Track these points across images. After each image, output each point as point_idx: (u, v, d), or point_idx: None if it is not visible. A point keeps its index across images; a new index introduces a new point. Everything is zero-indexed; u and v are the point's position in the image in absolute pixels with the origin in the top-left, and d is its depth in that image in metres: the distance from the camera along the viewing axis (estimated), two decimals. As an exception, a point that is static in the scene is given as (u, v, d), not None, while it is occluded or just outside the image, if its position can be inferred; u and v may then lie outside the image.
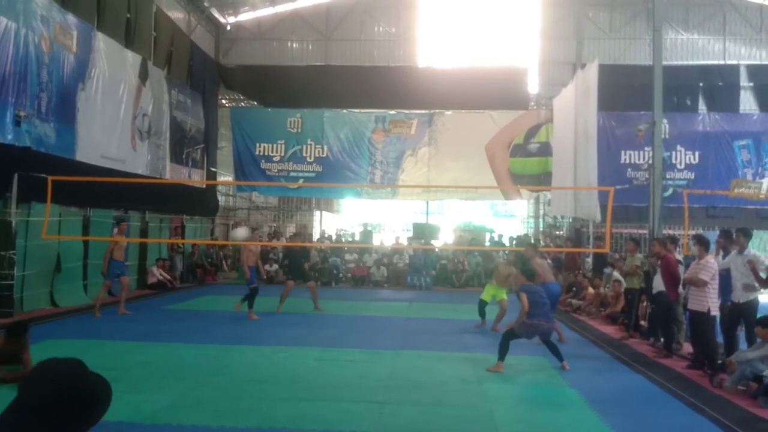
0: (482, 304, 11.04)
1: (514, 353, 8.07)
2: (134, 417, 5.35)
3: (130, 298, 14.19)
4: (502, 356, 7.59)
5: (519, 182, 20.99)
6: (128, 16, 15.57)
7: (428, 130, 21.36)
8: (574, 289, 14.98)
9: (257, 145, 21.44)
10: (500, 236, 22.64)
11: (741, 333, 8.26)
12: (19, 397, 1.47)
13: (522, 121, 21.19)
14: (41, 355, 6.26)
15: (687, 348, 9.03)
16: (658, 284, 9.21)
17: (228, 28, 23.38)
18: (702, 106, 20.56)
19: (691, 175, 19.75)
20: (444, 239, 23.83)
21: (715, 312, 8.02)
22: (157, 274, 15.95)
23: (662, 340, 9.31)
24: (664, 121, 16.20)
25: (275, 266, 19.43)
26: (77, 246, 12.94)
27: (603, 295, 13.16)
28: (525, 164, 21.10)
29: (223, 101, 23.53)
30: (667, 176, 17.43)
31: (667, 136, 18.37)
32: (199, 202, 20.25)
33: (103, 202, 13.98)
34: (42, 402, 1.44)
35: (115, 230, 13.15)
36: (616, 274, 12.76)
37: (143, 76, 15.97)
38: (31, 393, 1.46)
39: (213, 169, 21.81)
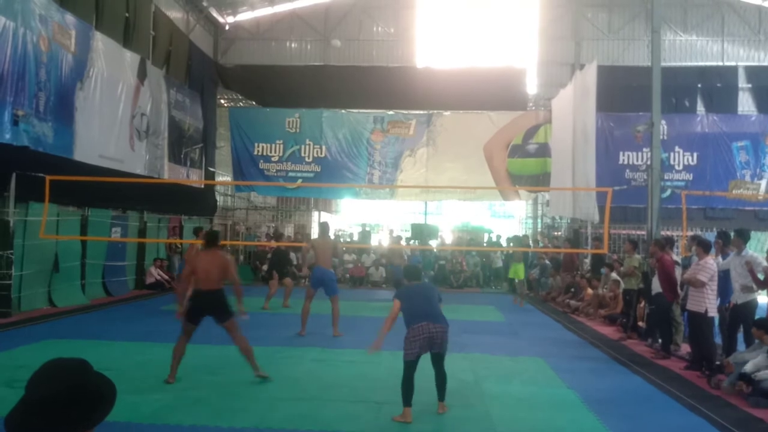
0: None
1: (511, 353, 8.06)
2: (132, 417, 5.35)
3: (127, 298, 14.21)
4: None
5: (517, 183, 20.99)
6: (127, 15, 15.56)
7: (426, 130, 21.34)
8: (572, 290, 15.00)
9: (256, 144, 21.41)
10: (498, 236, 22.65)
11: (739, 334, 8.27)
12: (25, 397, 1.50)
13: (520, 122, 21.18)
14: (39, 356, 6.21)
15: (685, 349, 9.05)
16: (657, 285, 9.22)
17: (227, 27, 23.37)
18: (700, 107, 20.57)
19: (690, 176, 19.76)
20: (442, 239, 23.82)
21: (713, 313, 8.04)
22: (155, 274, 15.94)
23: (660, 341, 9.32)
24: (663, 122, 16.22)
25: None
26: (75, 246, 12.93)
27: (601, 296, 13.17)
28: (523, 165, 21.10)
29: (222, 101, 23.51)
30: (666, 177, 17.45)
31: (665, 137, 18.39)
32: (198, 202, 20.23)
33: (101, 202, 13.97)
34: (47, 402, 1.48)
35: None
36: (613, 274, 12.79)
37: (142, 75, 15.96)
38: (36, 393, 1.50)
39: (211, 169, 21.80)
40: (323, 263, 10.06)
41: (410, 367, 5.80)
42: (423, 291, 6.14)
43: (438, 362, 5.94)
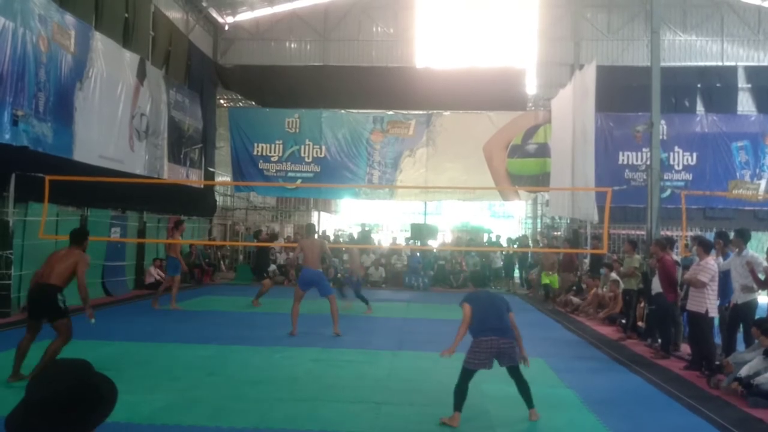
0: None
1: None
2: (131, 417, 5.34)
3: (126, 298, 14.21)
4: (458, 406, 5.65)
5: (517, 183, 20.99)
6: (126, 15, 15.56)
7: (426, 130, 21.35)
8: (573, 288, 15.02)
9: (255, 145, 21.41)
10: (498, 237, 22.65)
11: (739, 334, 8.27)
12: (26, 398, 1.50)
13: (520, 122, 21.18)
14: (38, 356, 6.16)
15: (685, 349, 9.05)
16: (657, 285, 9.22)
17: (226, 28, 23.38)
18: (700, 107, 20.58)
19: (689, 176, 19.77)
20: (441, 239, 23.82)
21: (714, 313, 8.04)
22: (154, 274, 15.93)
23: (660, 341, 9.32)
24: (662, 122, 16.22)
25: (273, 266, 19.42)
26: (74, 246, 12.90)
27: (601, 295, 13.18)
28: (523, 165, 21.10)
29: (221, 101, 23.52)
30: (665, 177, 17.45)
31: (665, 137, 18.39)
32: (197, 202, 20.23)
33: (101, 202, 13.97)
34: (48, 402, 1.48)
35: (176, 232, 13.52)
36: (613, 274, 12.78)
37: (141, 75, 15.96)
38: (37, 393, 1.50)
39: (211, 169, 21.79)
40: (311, 264, 10.19)
41: (468, 375, 5.68)
42: (492, 301, 5.93)
43: (515, 373, 5.82)
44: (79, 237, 6.88)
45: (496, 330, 5.67)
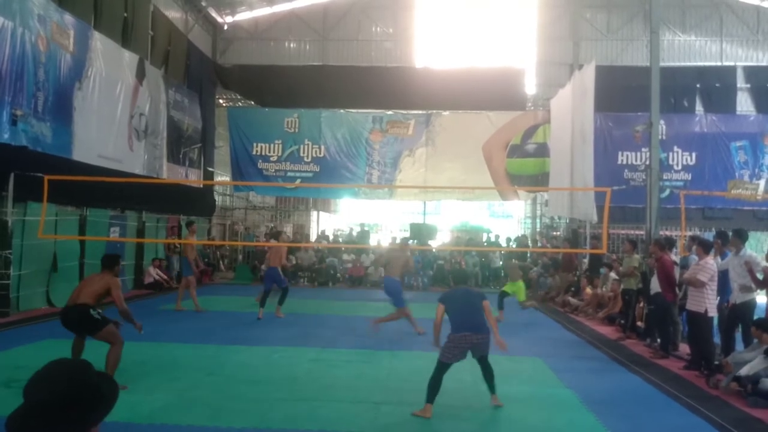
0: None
1: (509, 353, 8.03)
2: (131, 417, 5.34)
3: (126, 298, 14.18)
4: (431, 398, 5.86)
5: (516, 183, 20.99)
6: (125, 15, 15.55)
7: (425, 130, 21.35)
8: (572, 289, 15.01)
9: (254, 144, 21.40)
10: (497, 236, 22.66)
11: (737, 333, 8.28)
12: (27, 398, 1.51)
13: (519, 122, 21.19)
14: (37, 356, 6.19)
15: (684, 349, 9.05)
16: (656, 285, 9.23)
17: (225, 27, 23.37)
18: (699, 108, 20.59)
19: (688, 176, 19.77)
20: (441, 239, 23.84)
21: (713, 313, 8.05)
22: (153, 273, 15.93)
23: (659, 340, 9.33)
24: (661, 122, 16.23)
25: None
26: (74, 246, 12.91)
27: (600, 295, 13.18)
28: (522, 165, 21.11)
29: (221, 101, 23.51)
30: (664, 177, 17.44)
31: (664, 137, 18.39)
32: (196, 201, 20.22)
33: (100, 202, 13.95)
34: (47, 403, 1.48)
35: (189, 234, 13.50)
36: (612, 274, 12.78)
37: (140, 75, 15.94)
38: (37, 394, 1.50)
39: (210, 169, 21.78)
40: (392, 273, 10.60)
41: (443, 368, 5.95)
42: (468, 298, 6.25)
43: (483, 362, 6.18)
44: (110, 262, 7.08)
45: (471, 326, 6.01)
